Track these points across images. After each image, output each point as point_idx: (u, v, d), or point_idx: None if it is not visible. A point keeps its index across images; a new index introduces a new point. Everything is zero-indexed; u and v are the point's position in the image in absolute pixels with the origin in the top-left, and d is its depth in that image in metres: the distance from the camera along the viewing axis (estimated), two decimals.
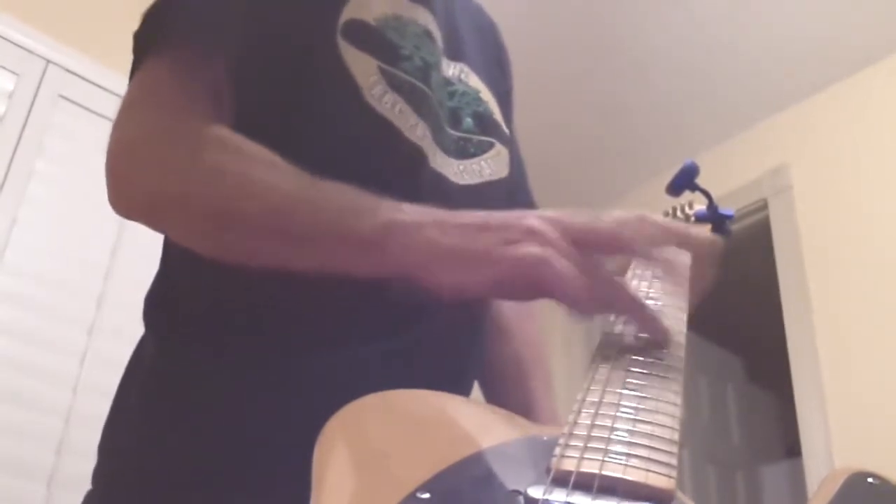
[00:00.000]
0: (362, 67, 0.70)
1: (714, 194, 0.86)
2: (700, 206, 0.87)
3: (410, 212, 0.55)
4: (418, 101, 0.72)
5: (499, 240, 0.51)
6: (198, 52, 0.67)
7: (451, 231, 0.53)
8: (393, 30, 0.74)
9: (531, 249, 0.49)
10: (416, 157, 0.70)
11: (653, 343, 0.53)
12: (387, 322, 0.60)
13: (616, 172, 3.20)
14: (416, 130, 0.71)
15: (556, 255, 0.49)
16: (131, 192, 0.65)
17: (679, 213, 0.86)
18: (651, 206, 0.87)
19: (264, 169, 0.60)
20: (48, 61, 2.16)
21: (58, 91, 2.15)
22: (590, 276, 0.50)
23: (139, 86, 0.67)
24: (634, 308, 0.53)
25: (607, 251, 0.52)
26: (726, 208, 0.87)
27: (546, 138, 2.99)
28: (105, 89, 2.17)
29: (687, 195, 0.87)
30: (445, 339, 0.67)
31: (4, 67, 2.10)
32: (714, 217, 0.86)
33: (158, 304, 0.72)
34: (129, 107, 0.67)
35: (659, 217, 0.55)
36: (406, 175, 0.70)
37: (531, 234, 0.51)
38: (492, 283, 0.52)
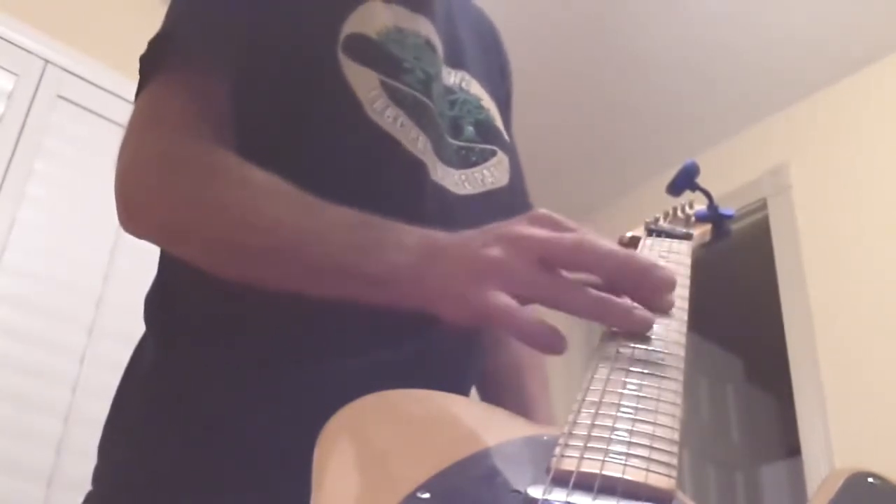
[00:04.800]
0: (363, 82, 0.70)
1: (714, 194, 0.86)
2: (700, 205, 0.87)
3: (411, 248, 0.55)
4: (419, 114, 0.72)
5: (471, 278, 0.52)
6: (201, 73, 0.67)
7: (440, 270, 0.53)
8: (394, 42, 0.74)
9: (493, 300, 0.50)
10: (418, 170, 0.71)
11: (640, 336, 0.52)
12: (388, 330, 0.60)
13: (616, 172, 3.20)
14: (418, 143, 0.71)
15: (516, 309, 0.50)
16: (141, 219, 0.66)
17: (679, 213, 0.86)
18: (651, 206, 0.87)
19: (270, 200, 0.60)
20: (47, 61, 2.16)
21: (56, 91, 2.15)
22: (553, 292, 0.51)
23: (144, 108, 0.68)
24: (606, 310, 0.52)
25: (570, 268, 0.52)
26: (727, 208, 0.87)
27: (546, 138, 2.99)
28: (104, 89, 2.17)
29: (687, 195, 0.87)
30: (446, 347, 0.67)
31: (3, 68, 2.10)
32: (714, 217, 0.86)
33: (158, 304, 0.72)
34: (135, 130, 0.67)
35: (621, 250, 0.54)
36: (408, 189, 0.70)
37: (496, 268, 0.51)
38: (472, 320, 0.53)
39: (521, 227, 0.53)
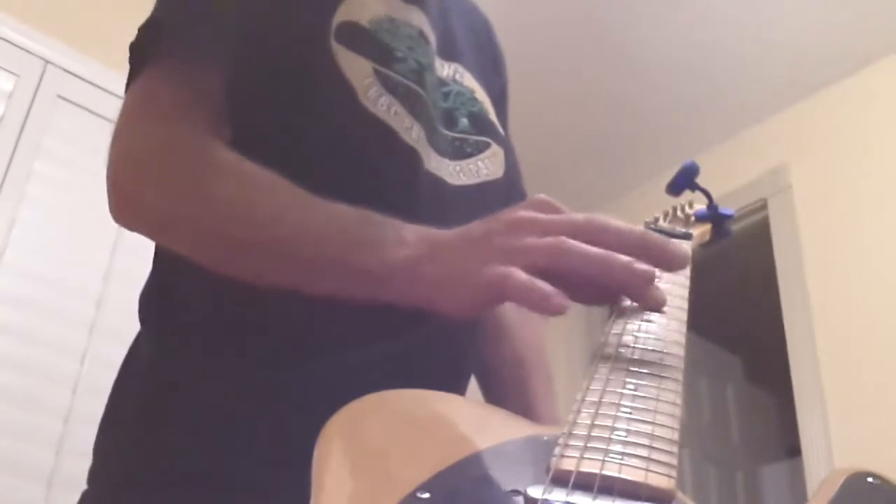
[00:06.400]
0: (357, 70, 0.70)
1: (714, 194, 0.86)
2: (700, 205, 0.87)
3: (411, 243, 0.54)
4: (413, 103, 0.72)
5: (478, 259, 0.51)
6: (194, 62, 0.67)
7: (439, 262, 0.53)
8: (386, 32, 0.74)
9: (502, 270, 0.49)
10: (412, 159, 0.70)
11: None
12: (385, 324, 0.60)
13: (616, 172, 3.20)
14: (412, 132, 0.71)
15: (519, 273, 0.49)
16: (136, 211, 0.65)
17: (679, 213, 0.86)
18: (651, 206, 0.87)
19: (266, 194, 0.60)
20: (47, 62, 2.16)
21: (57, 91, 2.15)
22: (557, 248, 0.50)
23: (137, 96, 0.67)
24: (611, 261, 0.51)
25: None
26: (726, 208, 0.87)
27: (546, 138, 2.99)
28: (104, 89, 2.17)
29: (687, 195, 0.87)
30: (443, 341, 0.67)
31: (3, 68, 2.10)
32: (714, 217, 0.86)
33: (153, 301, 0.72)
34: (128, 119, 0.67)
35: (637, 228, 0.53)
36: (402, 177, 0.70)
37: (503, 245, 0.50)
38: (477, 304, 0.52)
39: (524, 211, 0.53)
